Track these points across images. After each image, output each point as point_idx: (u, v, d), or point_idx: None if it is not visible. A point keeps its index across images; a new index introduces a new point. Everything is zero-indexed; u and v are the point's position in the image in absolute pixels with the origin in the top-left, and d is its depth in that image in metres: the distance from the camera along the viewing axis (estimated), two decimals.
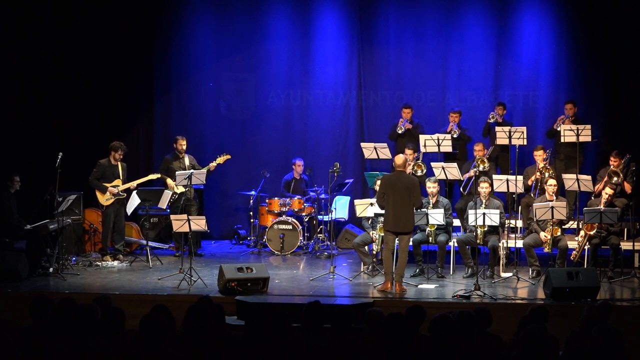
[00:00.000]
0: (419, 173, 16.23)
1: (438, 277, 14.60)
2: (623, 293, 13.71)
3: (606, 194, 14.72)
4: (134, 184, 16.20)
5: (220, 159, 16.78)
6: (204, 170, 16.21)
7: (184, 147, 16.83)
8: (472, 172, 16.04)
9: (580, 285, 12.74)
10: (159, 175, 16.56)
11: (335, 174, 16.05)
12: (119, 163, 16.12)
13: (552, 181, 14.82)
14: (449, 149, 16.65)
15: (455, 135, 17.18)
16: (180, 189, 16.37)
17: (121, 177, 16.10)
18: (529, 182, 15.97)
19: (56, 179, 15.17)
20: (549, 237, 14.39)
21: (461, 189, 16.24)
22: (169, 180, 16.52)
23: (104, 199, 16.01)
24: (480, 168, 15.93)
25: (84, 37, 18.52)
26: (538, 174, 15.86)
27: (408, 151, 16.42)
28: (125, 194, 16.14)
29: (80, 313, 7.36)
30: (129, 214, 16.54)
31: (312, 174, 18.23)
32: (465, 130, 17.56)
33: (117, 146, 16.10)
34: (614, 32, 17.78)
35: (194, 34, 19.19)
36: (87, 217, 16.92)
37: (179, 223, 14.19)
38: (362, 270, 14.98)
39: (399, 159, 13.84)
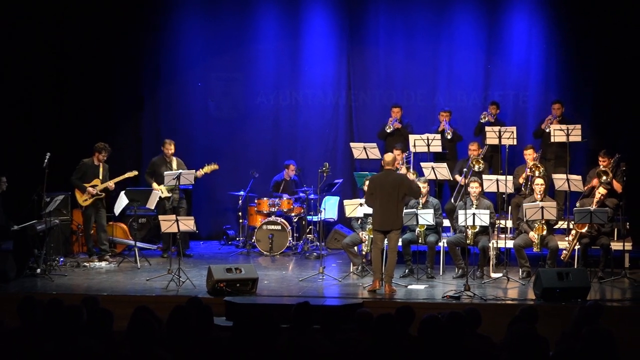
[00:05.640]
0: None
1: (428, 277, 14.61)
2: (613, 293, 13.76)
3: (599, 193, 14.74)
4: (111, 183, 16.15)
5: (208, 169, 16.75)
6: (192, 171, 16.16)
7: (171, 151, 16.76)
8: (462, 180, 15.99)
9: (570, 286, 12.78)
10: (136, 173, 16.44)
11: (325, 174, 16.08)
12: (101, 164, 16.11)
13: (540, 180, 14.82)
14: (439, 149, 16.66)
15: (449, 137, 17.21)
16: (165, 194, 16.37)
17: (100, 177, 16.07)
18: (520, 181, 15.98)
19: (44, 179, 15.13)
20: (536, 236, 14.41)
21: (452, 200, 16.19)
22: (155, 185, 16.49)
23: (82, 199, 16.01)
24: (476, 168, 15.93)
25: (71, 36, 18.47)
26: (528, 171, 15.85)
27: (396, 151, 16.34)
28: (104, 194, 16.13)
29: (67, 314, 7.34)
30: (116, 214, 16.54)
31: (301, 174, 18.22)
32: (455, 130, 17.59)
33: (101, 147, 16.09)
34: (604, 31, 17.79)
35: (182, 33, 19.15)
36: (75, 218, 16.86)
37: (168, 223, 14.18)
38: (351, 270, 14.97)
39: (388, 157, 13.88)
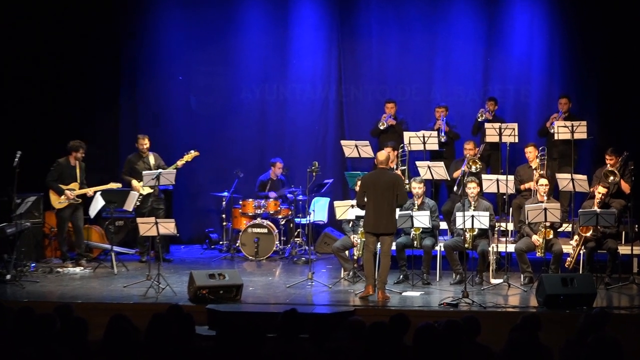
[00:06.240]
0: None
1: (423, 283, 14.59)
2: (621, 300, 13.74)
3: (599, 193, 14.68)
4: (90, 191, 16.11)
5: (188, 156, 16.64)
6: (173, 170, 16.06)
7: (146, 146, 16.70)
8: (465, 168, 15.93)
9: (575, 292, 12.74)
10: (119, 185, 16.42)
11: (314, 174, 16.04)
12: (77, 163, 16.06)
13: (544, 181, 14.78)
14: (435, 147, 16.66)
15: (443, 140, 17.11)
16: (147, 190, 16.30)
17: (78, 180, 16.03)
18: (522, 188, 15.87)
19: (14, 179, 15.07)
20: (541, 240, 14.38)
21: (455, 188, 16.15)
22: (134, 182, 16.44)
23: (57, 202, 15.95)
24: (473, 169, 15.87)
25: (45, 29, 18.37)
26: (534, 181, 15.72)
27: (387, 149, 16.28)
28: (80, 200, 16.08)
29: (39, 323, 7.31)
30: (92, 216, 16.47)
31: (289, 173, 18.19)
32: (453, 127, 17.57)
33: (77, 145, 16.03)
34: (608, 23, 17.81)
35: (162, 24, 19.13)
36: (47, 221, 16.79)
37: (147, 226, 14.11)
38: (342, 276, 14.95)
39: (381, 155, 13.83)
